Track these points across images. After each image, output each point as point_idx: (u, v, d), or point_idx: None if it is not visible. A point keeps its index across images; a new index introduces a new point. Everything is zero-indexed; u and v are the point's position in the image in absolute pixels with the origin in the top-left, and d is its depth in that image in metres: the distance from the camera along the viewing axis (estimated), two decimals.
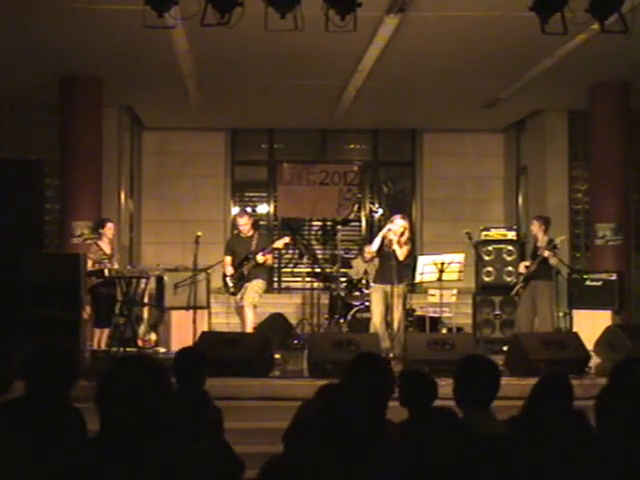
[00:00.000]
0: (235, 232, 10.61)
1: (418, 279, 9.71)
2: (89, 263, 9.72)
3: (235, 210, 14.59)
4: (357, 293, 11.55)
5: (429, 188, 14.62)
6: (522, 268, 10.10)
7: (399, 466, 2.94)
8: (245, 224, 10.01)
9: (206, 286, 10.41)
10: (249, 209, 14.72)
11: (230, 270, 9.91)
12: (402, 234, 9.44)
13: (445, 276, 9.47)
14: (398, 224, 9.49)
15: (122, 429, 2.33)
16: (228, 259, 10.03)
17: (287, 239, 10.31)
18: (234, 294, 9.97)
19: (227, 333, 9.30)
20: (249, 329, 9.72)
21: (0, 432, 3.23)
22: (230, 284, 9.94)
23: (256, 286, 9.86)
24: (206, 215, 13.97)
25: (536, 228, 10.15)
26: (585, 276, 10.75)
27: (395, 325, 9.28)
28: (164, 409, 2.40)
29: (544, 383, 4.00)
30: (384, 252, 9.45)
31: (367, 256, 10.62)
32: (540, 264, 9.83)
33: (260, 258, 9.80)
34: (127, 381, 2.42)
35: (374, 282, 9.75)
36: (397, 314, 9.30)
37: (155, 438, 2.33)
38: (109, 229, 10.15)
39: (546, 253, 9.78)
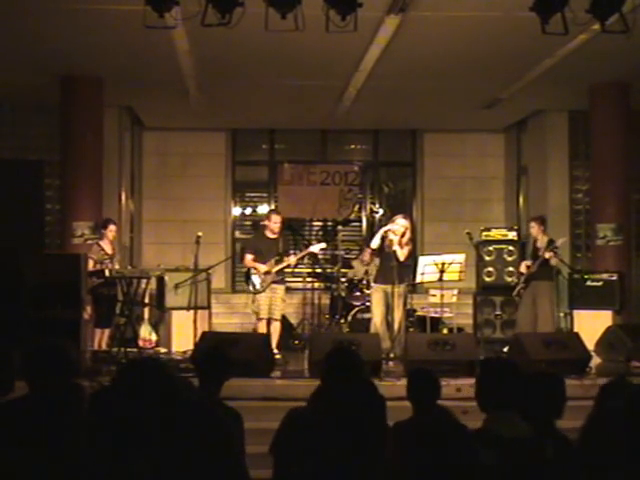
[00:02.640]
0: (261, 231, 10.41)
1: (419, 279, 9.69)
2: (90, 263, 9.72)
3: (236, 210, 14.62)
4: (358, 293, 11.55)
5: (430, 188, 14.62)
6: (523, 268, 10.09)
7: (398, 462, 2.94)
8: (279, 223, 9.99)
9: (207, 286, 10.41)
10: (249, 209, 14.78)
11: (264, 268, 9.79)
12: (403, 234, 9.44)
13: (446, 276, 9.46)
14: (400, 224, 9.48)
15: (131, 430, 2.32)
16: (250, 257, 9.94)
17: (324, 244, 10.43)
18: (259, 292, 9.86)
19: (228, 333, 9.30)
20: (275, 343, 9.73)
21: (4, 431, 3.23)
22: (257, 282, 9.86)
23: (281, 296, 9.93)
24: (207, 215, 13.97)
25: (536, 230, 10.14)
26: (586, 276, 10.74)
27: (396, 325, 9.27)
28: (175, 411, 2.38)
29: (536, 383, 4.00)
30: (385, 252, 9.44)
31: (365, 259, 10.59)
32: (541, 265, 9.83)
33: (293, 260, 9.89)
34: (136, 384, 2.40)
35: (375, 282, 9.73)
36: (398, 314, 9.29)
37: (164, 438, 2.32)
38: (111, 231, 10.16)
39: (547, 254, 9.78)
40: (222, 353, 4.84)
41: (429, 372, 4.64)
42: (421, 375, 4.56)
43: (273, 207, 14.15)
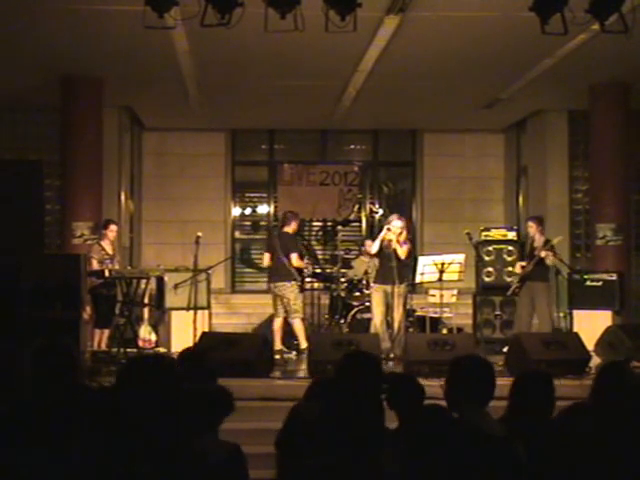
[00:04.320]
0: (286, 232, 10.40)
1: (418, 279, 9.70)
2: (94, 263, 9.73)
3: (236, 210, 14.63)
4: (357, 293, 11.53)
5: (429, 188, 14.62)
6: (518, 268, 10.12)
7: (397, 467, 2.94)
8: None
9: (206, 286, 10.40)
10: (249, 209, 14.80)
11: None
12: (400, 234, 9.43)
13: (445, 276, 9.46)
14: (395, 226, 9.47)
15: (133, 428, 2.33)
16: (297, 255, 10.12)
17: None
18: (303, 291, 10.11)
19: (227, 333, 9.29)
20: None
21: (8, 432, 3.23)
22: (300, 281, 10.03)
23: None
24: (206, 216, 13.98)
25: (534, 229, 10.14)
26: (585, 276, 10.74)
27: (395, 325, 9.27)
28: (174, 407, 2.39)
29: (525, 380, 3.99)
30: (384, 253, 9.44)
31: (370, 252, 10.60)
32: (536, 265, 9.82)
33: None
34: (141, 380, 2.40)
35: (374, 282, 9.74)
36: (397, 314, 9.29)
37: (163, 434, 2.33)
38: (112, 231, 10.16)
39: (543, 253, 9.77)
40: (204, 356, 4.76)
41: (410, 377, 4.52)
42: (401, 381, 4.30)
43: (276, 208, 14.22)
